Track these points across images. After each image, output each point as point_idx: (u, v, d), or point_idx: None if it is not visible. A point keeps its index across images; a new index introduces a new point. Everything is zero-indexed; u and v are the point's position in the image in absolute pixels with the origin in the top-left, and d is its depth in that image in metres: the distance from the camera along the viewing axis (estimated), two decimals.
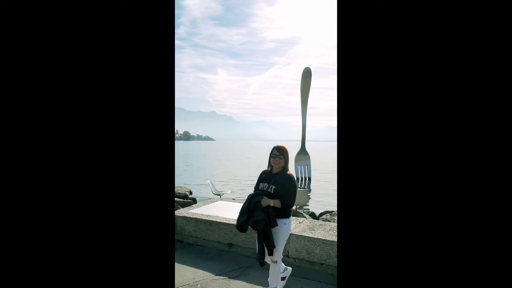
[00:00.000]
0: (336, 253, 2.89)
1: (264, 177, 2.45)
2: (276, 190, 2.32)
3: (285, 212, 2.33)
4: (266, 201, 2.27)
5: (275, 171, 2.41)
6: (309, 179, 13.92)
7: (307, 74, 13.99)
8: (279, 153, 2.36)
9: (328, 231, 3.20)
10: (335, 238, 2.97)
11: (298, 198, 6.51)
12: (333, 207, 7.95)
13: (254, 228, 2.29)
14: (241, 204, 2.46)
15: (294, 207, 3.67)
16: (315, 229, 3.28)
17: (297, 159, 13.98)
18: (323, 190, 12.07)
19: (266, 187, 2.37)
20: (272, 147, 2.45)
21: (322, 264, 2.98)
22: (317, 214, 6.57)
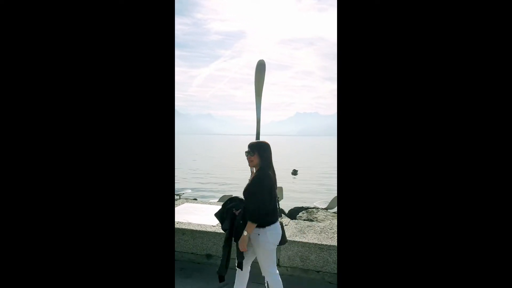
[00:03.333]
0: (334, 259, 2.63)
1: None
2: (245, 197, 1.97)
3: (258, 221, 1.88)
4: (242, 240, 1.89)
5: (253, 171, 2.04)
6: None
7: (261, 67, 13.99)
8: (250, 149, 1.99)
9: (320, 233, 2.92)
10: (331, 242, 2.70)
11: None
12: (298, 202, 7.84)
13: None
14: (209, 206, 2.14)
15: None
16: (305, 231, 2.98)
17: None
18: (279, 184, 12.13)
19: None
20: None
21: (318, 272, 2.69)
22: (287, 211, 6.33)
